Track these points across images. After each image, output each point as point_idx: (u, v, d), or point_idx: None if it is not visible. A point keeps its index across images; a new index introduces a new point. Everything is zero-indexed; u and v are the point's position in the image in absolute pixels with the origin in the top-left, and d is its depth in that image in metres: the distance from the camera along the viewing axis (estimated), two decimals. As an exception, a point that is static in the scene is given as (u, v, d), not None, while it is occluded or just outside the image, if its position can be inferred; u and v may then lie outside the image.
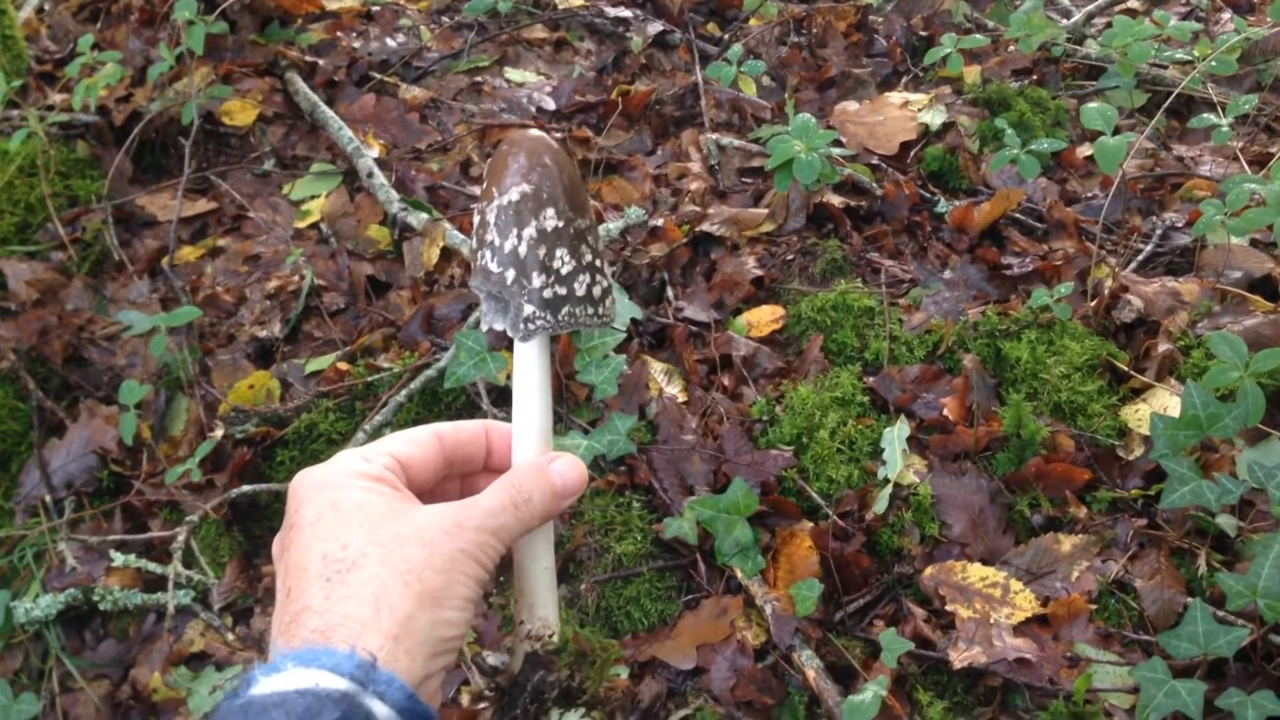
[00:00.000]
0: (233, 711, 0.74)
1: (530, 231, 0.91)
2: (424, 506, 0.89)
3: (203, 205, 2.75)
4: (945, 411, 2.13)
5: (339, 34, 3.17)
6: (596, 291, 0.96)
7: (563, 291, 0.93)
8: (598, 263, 0.96)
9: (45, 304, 2.51)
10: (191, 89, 2.72)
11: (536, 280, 0.92)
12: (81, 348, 2.44)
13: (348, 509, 0.86)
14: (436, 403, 2.26)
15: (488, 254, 0.92)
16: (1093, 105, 2.00)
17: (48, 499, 2.24)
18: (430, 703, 0.83)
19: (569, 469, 0.96)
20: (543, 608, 0.99)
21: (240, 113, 2.89)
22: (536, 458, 0.96)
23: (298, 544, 0.86)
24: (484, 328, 0.99)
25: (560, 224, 0.92)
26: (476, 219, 0.95)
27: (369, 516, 0.85)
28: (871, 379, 2.22)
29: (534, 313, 0.93)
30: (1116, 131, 2.08)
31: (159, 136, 2.88)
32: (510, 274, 0.92)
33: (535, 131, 0.97)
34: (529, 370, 0.96)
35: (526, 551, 0.98)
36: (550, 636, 0.99)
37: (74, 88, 2.69)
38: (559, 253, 0.93)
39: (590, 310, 0.95)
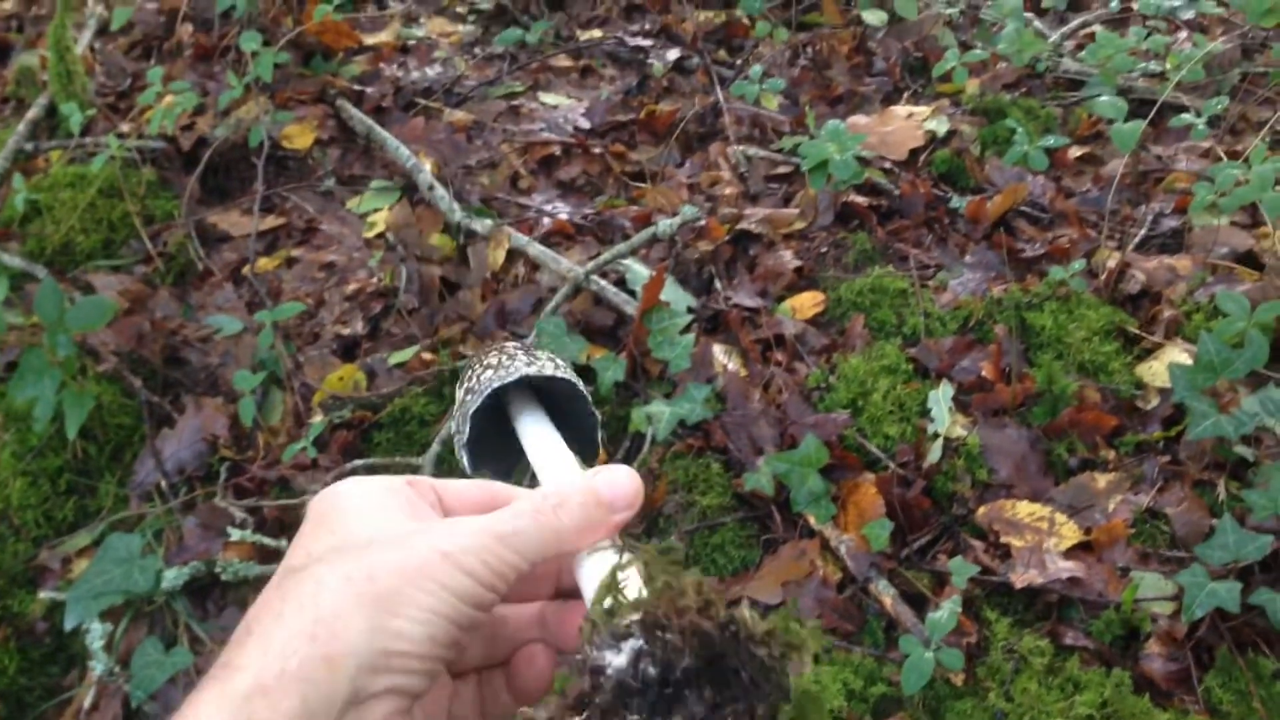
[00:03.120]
0: None
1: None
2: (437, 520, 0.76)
3: (272, 221, 2.96)
4: (984, 373, 2.39)
5: (380, 65, 3.41)
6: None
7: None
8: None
9: (136, 312, 2.69)
10: (259, 113, 2.93)
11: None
12: (177, 349, 2.62)
13: (344, 510, 0.75)
14: (521, 384, 2.47)
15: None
16: (1104, 99, 2.30)
17: (162, 484, 2.41)
18: None
19: (621, 476, 0.77)
20: None
21: (299, 137, 3.10)
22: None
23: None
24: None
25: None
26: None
27: (355, 519, 0.73)
28: (912, 350, 2.48)
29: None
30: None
31: (222, 161, 3.08)
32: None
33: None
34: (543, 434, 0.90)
35: (587, 588, 0.74)
36: None
37: (149, 116, 2.90)
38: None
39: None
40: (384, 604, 0.66)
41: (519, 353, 0.94)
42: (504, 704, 0.86)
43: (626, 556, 0.72)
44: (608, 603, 0.67)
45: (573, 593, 0.80)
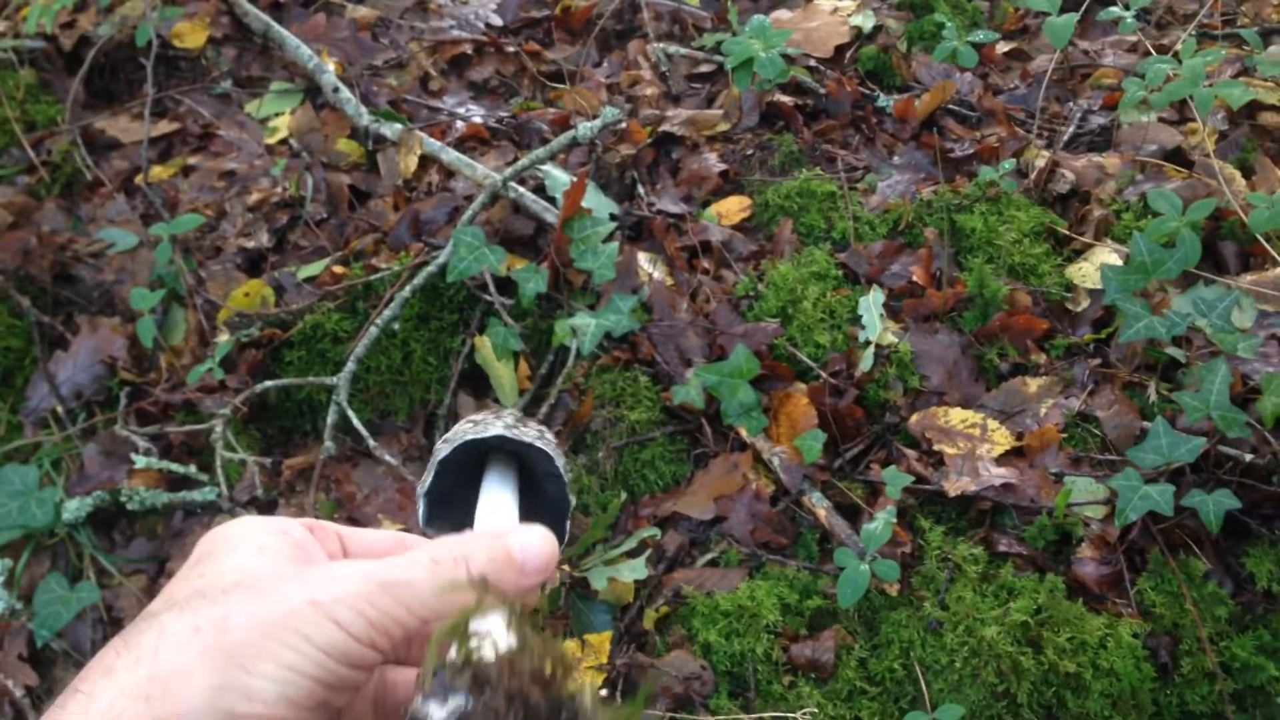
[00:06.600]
0: None
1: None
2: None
3: (165, 126, 2.77)
4: (914, 278, 2.34)
5: (276, -43, 3.19)
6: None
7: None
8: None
9: (20, 226, 2.51)
10: (146, 9, 2.73)
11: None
12: (67, 265, 2.46)
13: (219, 554, 0.66)
14: (439, 296, 2.37)
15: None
16: (1037, -10, 2.22)
17: (58, 410, 2.27)
18: None
19: (537, 536, 0.69)
20: None
21: (190, 35, 2.90)
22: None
23: None
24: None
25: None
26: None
27: (228, 561, 0.65)
28: (842, 255, 2.42)
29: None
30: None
31: (108, 61, 2.88)
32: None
33: None
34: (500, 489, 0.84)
35: None
36: None
37: (25, 13, 2.68)
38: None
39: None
40: (235, 658, 0.58)
41: (506, 416, 0.88)
42: None
43: (490, 600, 0.63)
44: (452, 652, 0.60)
45: None
